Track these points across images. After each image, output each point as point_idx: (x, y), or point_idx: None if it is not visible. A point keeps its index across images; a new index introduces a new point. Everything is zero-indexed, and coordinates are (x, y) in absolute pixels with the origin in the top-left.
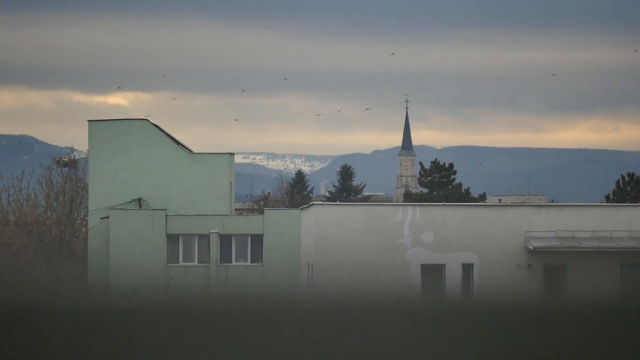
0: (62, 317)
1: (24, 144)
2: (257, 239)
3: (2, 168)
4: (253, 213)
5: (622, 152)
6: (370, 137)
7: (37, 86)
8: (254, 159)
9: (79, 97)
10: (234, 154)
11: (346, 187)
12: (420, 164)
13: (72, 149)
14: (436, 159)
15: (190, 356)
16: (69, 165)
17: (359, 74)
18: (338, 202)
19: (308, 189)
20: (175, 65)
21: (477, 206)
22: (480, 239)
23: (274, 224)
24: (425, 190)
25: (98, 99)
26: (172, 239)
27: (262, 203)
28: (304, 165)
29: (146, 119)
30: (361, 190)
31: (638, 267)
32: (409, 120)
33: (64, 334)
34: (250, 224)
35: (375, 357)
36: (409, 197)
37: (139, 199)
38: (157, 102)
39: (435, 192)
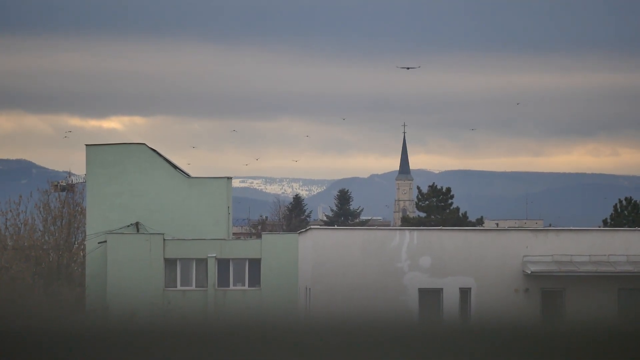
0: (60, 341)
1: (21, 168)
2: (255, 263)
3: None
4: (251, 237)
5: (620, 177)
6: (367, 161)
7: (35, 110)
8: (252, 183)
9: (75, 122)
10: (231, 178)
11: (344, 211)
12: (418, 188)
13: (69, 173)
14: (433, 183)
15: None
16: (67, 190)
17: (357, 98)
18: (335, 226)
19: (306, 213)
20: (172, 89)
21: (474, 230)
22: (477, 263)
23: (272, 248)
24: (422, 215)
25: (93, 123)
26: (169, 263)
27: (259, 227)
28: (302, 190)
29: (144, 144)
30: (359, 214)
31: (636, 292)
32: (407, 144)
33: (63, 357)
34: (247, 248)
35: None
36: (407, 221)
37: (137, 223)
38: (152, 126)
39: (432, 216)
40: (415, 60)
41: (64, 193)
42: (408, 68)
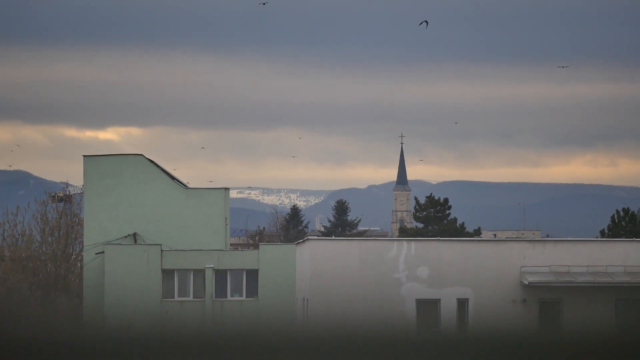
0: (57, 351)
1: (19, 179)
2: (253, 274)
3: None
4: (248, 248)
5: (618, 187)
6: (365, 171)
7: (32, 121)
8: (249, 193)
9: (72, 132)
10: (229, 188)
11: (341, 222)
12: (416, 198)
13: (67, 184)
14: (431, 193)
15: None
16: (64, 200)
17: (355, 109)
18: (333, 237)
19: (303, 224)
20: (169, 100)
21: (472, 241)
22: (475, 274)
23: (269, 258)
24: (420, 225)
25: (90, 133)
26: (167, 273)
27: (257, 238)
28: (299, 200)
29: (141, 155)
30: (356, 225)
31: (633, 302)
32: (404, 155)
33: None
34: (245, 259)
35: None
36: (404, 232)
37: (134, 234)
38: (149, 137)
39: (430, 227)
40: (414, 70)
41: (62, 204)
42: (424, 23)
